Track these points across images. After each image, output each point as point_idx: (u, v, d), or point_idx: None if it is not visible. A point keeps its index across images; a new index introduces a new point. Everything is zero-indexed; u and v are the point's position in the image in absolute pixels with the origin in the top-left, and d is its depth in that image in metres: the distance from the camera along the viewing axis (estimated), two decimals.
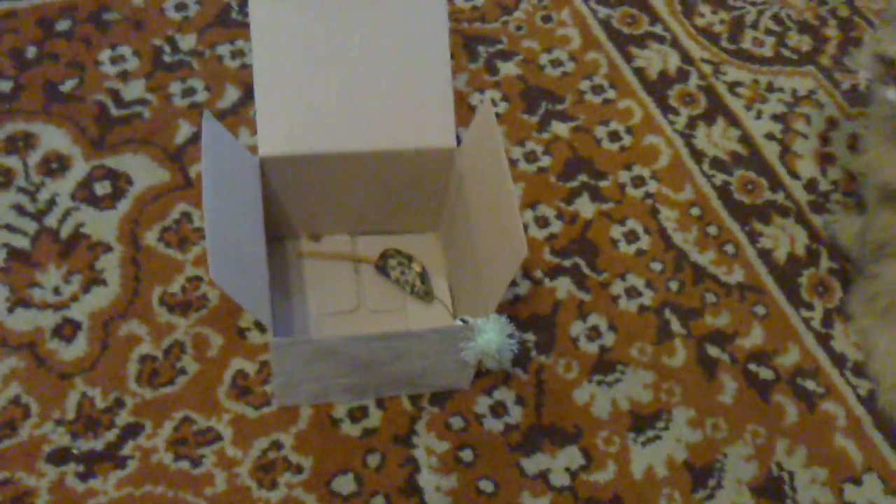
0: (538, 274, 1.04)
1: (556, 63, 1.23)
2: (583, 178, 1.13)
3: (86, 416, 0.88)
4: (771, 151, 1.19)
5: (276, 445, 0.89)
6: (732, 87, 1.25)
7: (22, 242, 0.97)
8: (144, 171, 1.04)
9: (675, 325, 1.03)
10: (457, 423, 0.93)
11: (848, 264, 1.10)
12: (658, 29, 1.29)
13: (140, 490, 0.85)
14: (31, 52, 1.11)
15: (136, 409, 0.89)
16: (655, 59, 1.26)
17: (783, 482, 0.94)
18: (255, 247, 0.83)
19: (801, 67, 1.28)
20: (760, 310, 1.05)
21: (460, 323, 0.83)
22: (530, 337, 0.99)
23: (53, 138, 1.05)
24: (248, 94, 1.12)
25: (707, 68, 1.26)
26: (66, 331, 0.93)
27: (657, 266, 1.07)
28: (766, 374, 1.01)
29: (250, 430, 0.89)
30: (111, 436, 0.87)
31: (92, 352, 0.92)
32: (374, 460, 0.89)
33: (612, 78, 1.23)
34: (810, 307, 1.07)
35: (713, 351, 1.02)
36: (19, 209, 0.99)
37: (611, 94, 1.21)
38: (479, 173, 0.88)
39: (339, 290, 0.98)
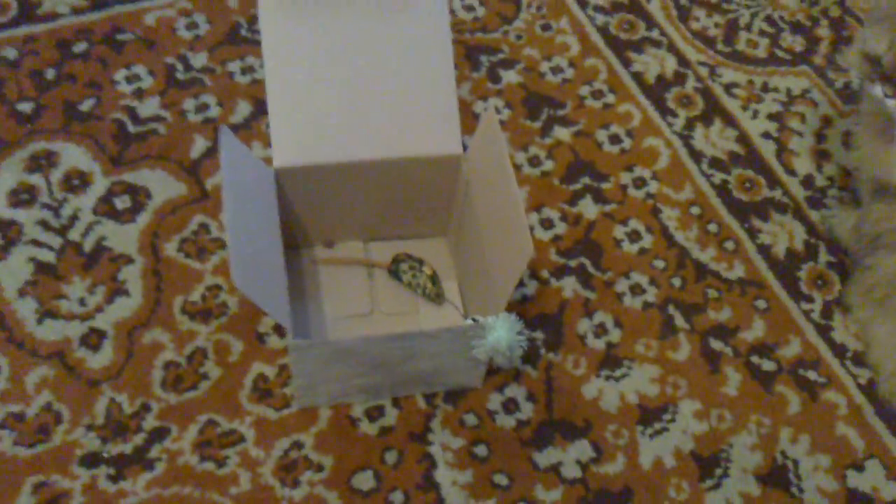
0: (545, 274, 1.07)
1: (556, 70, 1.26)
2: (585, 180, 1.16)
3: (114, 421, 0.91)
4: (768, 150, 1.23)
5: (297, 445, 0.92)
6: (728, 88, 1.28)
7: (48, 256, 1.01)
8: (162, 185, 1.08)
9: (679, 321, 1.06)
10: (470, 420, 0.96)
11: (845, 257, 1.13)
12: (654, 34, 1.33)
13: (168, 491, 0.88)
14: (50, 73, 1.15)
15: (161, 414, 0.92)
16: (653, 63, 1.29)
17: (788, 470, 0.97)
18: (274, 254, 0.86)
19: (794, 67, 1.32)
20: (761, 304, 1.08)
21: (471, 322, 0.86)
22: (539, 335, 1.02)
23: (74, 156, 1.09)
24: (259, 109, 1.15)
25: (703, 71, 1.30)
26: (93, 340, 0.96)
27: (660, 264, 1.10)
28: (768, 365, 1.04)
29: (272, 431, 0.92)
30: (139, 439, 0.90)
31: (118, 359, 0.95)
32: (391, 457, 0.92)
33: (611, 83, 1.26)
34: (810, 300, 1.10)
35: (716, 345, 1.05)
36: (44, 224, 1.03)
37: (610, 98, 1.24)
38: (485, 178, 0.91)
39: (353, 294, 1.01)
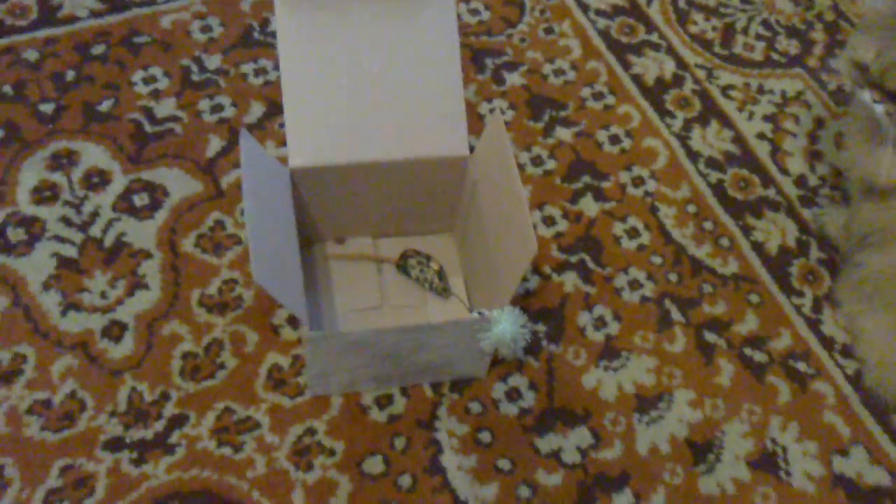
0: (547, 269, 1.11)
1: (558, 72, 1.29)
2: (586, 179, 1.20)
3: (136, 409, 0.95)
4: (762, 150, 1.26)
5: (311, 431, 0.96)
6: (725, 90, 1.31)
7: (70, 252, 1.05)
8: (179, 183, 1.11)
9: (675, 314, 1.09)
10: (475, 407, 1.00)
11: (835, 254, 1.16)
12: (654, 37, 1.36)
13: (188, 474, 0.92)
14: (70, 75, 1.18)
15: (181, 402, 0.96)
16: (652, 65, 1.33)
17: (777, 456, 1.00)
18: (291, 250, 0.90)
19: (789, 70, 1.35)
20: (754, 298, 1.12)
21: (477, 316, 0.89)
22: (541, 328, 1.06)
23: (94, 155, 1.12)
24: (272, 110, 1.19)
25: (701, 73, 1.33)
26: (114, 331, 1.00)
27: (657, 260, 1.14)
28: (760, 357, 1.07)
29: (286, 418, 0.96)
30: (159, 426, 0.94)
31: (138, 350, 0.99)
32: (400, 443, 0.96)
33: (611, 85, 1.29)
34: (801, 295, 1.13)
35: (710, 337, 1.08)
36: (66, 221, 1.07)
37: (610, 100, 1.28)
38: (490, 178, 0.94)
39: (363, 288, 1.04)
